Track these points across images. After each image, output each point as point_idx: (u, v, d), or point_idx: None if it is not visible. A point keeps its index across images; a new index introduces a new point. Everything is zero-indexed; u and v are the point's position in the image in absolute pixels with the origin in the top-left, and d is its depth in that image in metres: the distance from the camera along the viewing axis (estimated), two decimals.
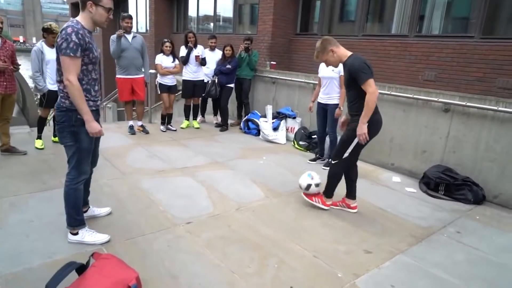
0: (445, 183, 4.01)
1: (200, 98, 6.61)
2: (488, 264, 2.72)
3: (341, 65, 4.56)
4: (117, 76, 5.55)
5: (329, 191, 3.42)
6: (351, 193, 3.46)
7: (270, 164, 4.75)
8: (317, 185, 3.46)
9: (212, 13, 11.50)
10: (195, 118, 6.56)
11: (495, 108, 3.79)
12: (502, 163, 3.84)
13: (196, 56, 5.88)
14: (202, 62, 6.00)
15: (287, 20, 8.52)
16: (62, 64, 2.30)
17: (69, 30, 2.28)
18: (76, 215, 2.59)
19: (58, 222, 2.80)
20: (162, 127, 6.07)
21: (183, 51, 6.00)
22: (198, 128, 6.42)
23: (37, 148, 4.64)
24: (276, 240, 2.84)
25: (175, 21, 13.15)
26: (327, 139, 4.90)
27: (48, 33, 4.42)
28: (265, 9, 8.39)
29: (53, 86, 4.32)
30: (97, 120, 2.52)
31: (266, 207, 3.44)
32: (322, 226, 3.14)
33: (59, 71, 2.39)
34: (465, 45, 5.79)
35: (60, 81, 2.41)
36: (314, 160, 5.02)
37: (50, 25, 4.49)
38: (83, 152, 2.49)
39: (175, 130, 6.10)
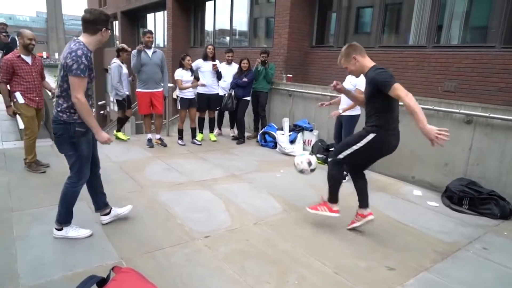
0: (469, 197, 3.88)
1: (217, 111, 6.65)
2: None
3: (359, 78, 4.53)
4: (137, 90, 5.66)
5: (331, 195, 3.20)
6: (363, 201, 3.22)
7: (288, 178, 4.71)
8: (312, 170, 3.38)
9: (228, 27, 11.68)
10: (211, 131, 6.58)
11: None
12: None
13: (213, 64, 5.94)
14: (218, 74, 6.04)
15: (302, 33, 8.57)
16: (71, 83, 2.49)
17: (79, 52, 2.48)
18: (67, 213, 2.79)
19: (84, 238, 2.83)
20: (180, 141, 6.11)
21: (200, 63, 6.07)
22: (215, 141, 6.45)
23: (121, 139, 6.11)
24: (295, 255, 2.79)
25: (192, 35, 13.42)
26: None
27: (123, 52, 5.89)
28: (280, 23, 8.47)
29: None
30: (90, 129, 2.69)
31: (284, 221, 3.40)
32: (342, 241, 3.07)
33: (61, 87, 2.58)
34: (485, 55, 5.67)
35: (59, 96, 2.60)
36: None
37: (123, 46, 5.93)
38: (83, 159, 2.70)
39: (200, 144, 6.12)
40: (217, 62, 6.08)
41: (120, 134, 6.19)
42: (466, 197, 3.90)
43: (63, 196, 2.74)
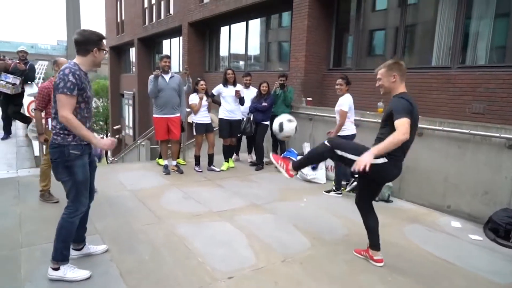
0: None
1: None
2: None
3: (343, 99, 4.81)
4: (154, 115, 5.53)
5: (300, 165, 3.19)
6: (372, 241, 3.00)
7: (312, 207, 4.42)
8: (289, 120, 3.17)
9: (242, 52, 11.70)
10: (230, 157, 6.36)
11: None
12: None
13: (236, 91, 5.77)
14: (241, 100, 5.87)
15: (319, 56, 8.43)
16: (58, 101, 2.40)
17: (67, 71, 2.41)
18: (64, 249, 2.56)
19: (96, 277, 2.58)
20: (196, 168, 5.90)
21: (221, 88, 5.94)
22: (233, 167, 6.21)
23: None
24: None
25: (207, 60, 13.50)
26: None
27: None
28: (297, 46, 8.37)
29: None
30: (90, 153, 2.65)
31: (314, 258, 3.09)
32: (381, 283, 2.74)
33: (54, 108, 2.48)
34: None
35: (53, 118, 2.53)
36: (328, 192, 5.06)
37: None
38: (80, 185, 2.54)
39: (219, 171, 5.91)
40: (240, 87, 5.91)
41: (161, 161, 6.10)
42: None
43: (59, 229, 2.52)
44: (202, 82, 5.68)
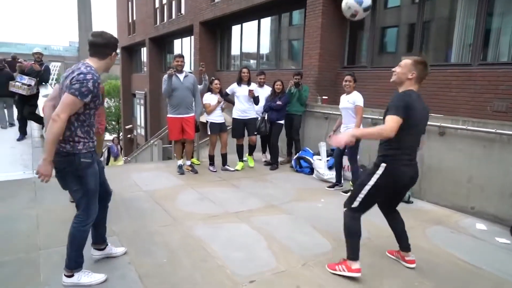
0: None
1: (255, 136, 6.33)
2: None
3: (356, 96, 4.78)
4: (168, 115, 5.49)
5: (351, 252, 2.71)
6: (401, 243, 2.93)
7: (330, 207, 4.32)
8: (366, 9, 2.91)
9: (254, 50, 11.62)
10: (250, 154, 6.28)
11: None
12: None
13: (249, 90, 5.69)
14: (255, 99, 5.79)
15: (333, 54, 8.30)
16: (62, 99, 2.23)
17: (89, 77, 2.25)
18: (78, 257, 2.48)
19: (114, 280, 2.53)
20: (211, 168, 5.85)
21: (235, 87, 5.87)
22: (251, 167, 6.12)
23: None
24: None
25: (219, 59, 13.45)
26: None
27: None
28: (311, 44, 8.25)
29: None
30: (95, 160, 2.47)
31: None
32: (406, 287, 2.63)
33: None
34: None
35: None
36: (332, 186, 5.18)
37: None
38: (91, 194, 2.43)
39: (234, 171, 5.85)
40: (254, 87, 5.83)
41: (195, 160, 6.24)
42: None
43: (71, 238, 2.43)
44: (216, 82, 5.62)
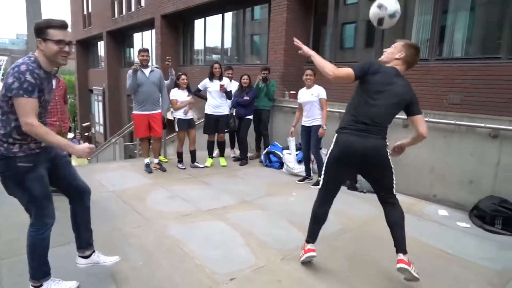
0: (502, 217, 3.63)
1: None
2: None
3: (318, 89, 4.93)
4: (133, 112, 5.28)
5: (307, 234, 2.79)
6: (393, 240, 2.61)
7: (302, 201, 4.37)
8: (391, 16, 2.58)
9: (218, 45, 11.48)
10: (222, 155, 6.19)
11: None
12: None
13: (220, 85, 5.61)
14: (228, 94, 5.72)
15: (298, 49, 8.39)
16: (16, 106, 1.98)
17: (23, 67, 1.98)
18: (42, 266, 2.25)
19: (88, 287, 2.40)
20: (179, 165, 5.72)
21: (207, 83, 5.76)
22: (224, 166, 6.01)
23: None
24: None
25: (182, 54, 13.15)
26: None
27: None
28: (276, 39, 8.28)
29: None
30: (39, 163, 2.16)
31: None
32: (383, 278, 2.73)
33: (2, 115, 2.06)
34: (492, 67, 5.55)
35: None
36: (302, 180, 5.24)
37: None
38: (37, 200, 2.15)
39: (203, 168, 5.76)
40: (225, 82, 5.76)
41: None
42: (499, 216, 3.65)
43: (31, 248, 2.19)
44: (184, 77, 5.50)
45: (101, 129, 18.99)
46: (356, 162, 2.51)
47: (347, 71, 2.42)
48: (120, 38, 16.97)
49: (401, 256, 2.46)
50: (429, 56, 6.41)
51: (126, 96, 16.64)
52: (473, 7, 6.01)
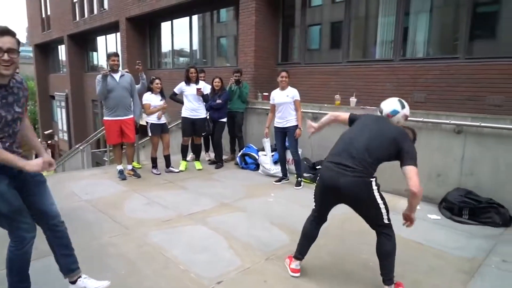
0: (469, 207, 3.87)
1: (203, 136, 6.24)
2: None
3: (293, 91, 4.99)
4: (104, 118, 5.13)
5: (296, 249, 2.76)
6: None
7: (281, 201, 4.45)
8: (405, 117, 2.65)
9: (187, 48, 11.38)
10: (197, 158, 6.14)
11: (511, 127, 3.75)
12: None
13: (197, 88, 5.56)
14: (205, 98, 5.69)
15: (268, 51, 8.48)
16: None
17: None
18: (21, 282, 2.17)
19: None
20: (154, 170, 5.63)
21: (183, 87, 5.70)
22: (200, 169, 5.96)
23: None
24: (321, 286, 2.51)
25: (149, 57, 12.90)
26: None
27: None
28: (245, 41, 8.33)
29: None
30: (16, 175, 2.08)
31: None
32: (365, 269, 2.84)
33: None
34: (451, 66, 5.89)
35: None
36: (279, 180, 5.30)
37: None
38: (7, 216, 2.01)
39: (178, 172, 5.68)
40: (202, 85, 5.72)
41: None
42: (466, 207, 3.88)
43: (9, 264, 2.11)
44: (157, 81, 5.42)
45: (65, 137, 18.22)
46: (334, 195, 2.49)
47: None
48: (83, 42, 16.39)
49: None
50: (394, 57, 6.69)
51: (91, 102, 16.08)
52: (431, 9, 6.35)
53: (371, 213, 2.48)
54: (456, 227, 3.73)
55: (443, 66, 5.93)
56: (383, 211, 2.47)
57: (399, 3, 6.48)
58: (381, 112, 2.66)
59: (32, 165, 2.02)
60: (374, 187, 2.42)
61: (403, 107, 2.64)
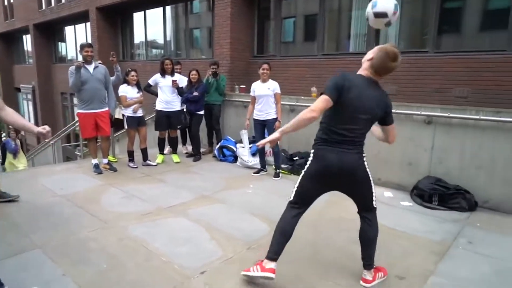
0: (438, 194, 4.08)
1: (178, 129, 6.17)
2: None
3: (274, 84, 5.07)
4: (78, 111, 4.99)
5: (270, 249, 2.49)
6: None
7: (260, 192, 4.52)
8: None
9: (161, 39, 11.17)
10: (174, 151, 6.07)
11: (476, 117, 3.97)
12: (489, 170, 4.01)
13: (173, 80, 5.50)
14: (179, 90, 5.63)
15: (244, 43, 8.49)
16: None
17: None
18: None
19: None
20: (131, 164, 5.54)
21: (158, 78, 5.62)
22: (178, 162, 5.91)
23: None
24: (304, 277, 2.60)
25: (121, 48, 12.56)
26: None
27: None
28: (221, 33, 8.29)
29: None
30: None
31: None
32: (344, 255, 2.95)
33: None
34: (421, 59, 6.14)
35: None
36: (257, 172, 5.37)
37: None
38: None
39: (156, 165, 5.62)
40: (178, 77, 5.66)
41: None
42: (435, 194, 4.09)
43: None
44: (133, 73, 5.32)
45: None
46: (336, 178, 2.35)
47: (322, 99, 2.21)
48: (50, 32, 15.73)
49: (365, 273, 2.51)
50: (367, 50, 6.83)
51: (60, 95, 15.51)
52: (402, 4, 6.54)
53: (366, 193, 2.43)
54: (427, 213, 3.94)
55: (412, 59, 6.16)
56: (373, 191, 2.46)
57: None
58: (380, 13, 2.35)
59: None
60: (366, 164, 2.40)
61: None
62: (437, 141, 4.32)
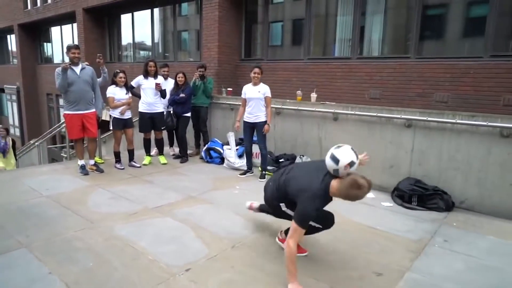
0: (417, 195, 4.23)
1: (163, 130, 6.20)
2: (487, 270, 2.86)
3: (265, 87, 5.14)
4: (64, 112, 5.00)
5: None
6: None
7: (246, 193, 4.60)
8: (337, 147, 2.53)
9: (148, 41, 11.17)
10: (161, 153, 6.10)
11: (453, 121, 4.14)
12: (465, 171, 4.18)
13: (156, 83, 5.55)
14: (162, 93, 5.68)
15: (231, 47, 8.58)
16: None
17: None
18: None
19: None
20: (118, 165, 5.56)
21: (141, 80, 5.65)
22: (165, 163, 5.94)
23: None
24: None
25: (108, 50, 12.51)
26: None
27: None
28: (209, 36, 8.37)
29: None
30: None
31: (261, 240, 3.27)
32: (324, 253, 3.06)
33: None
34: (403, 65, 6.32)
35: None
36: (244, 173, 5.45)
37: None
38: None
39: (140, 167, 5.64)
40: (161, 80, 5.71)
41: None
42: (415, 194, 4.24)
43: None
44: (121, 75, 5.34)
45: (18, 132, 17.21)
46: None
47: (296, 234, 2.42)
48: (35, 32, 15.55)
49: None
50: (352, 55, 7.05)
51: (45, 96, 15.32)
52: (386, 10, 6.74)
53: None
54: (406, 213, 4.08)
55: (396, 64, 6.35)
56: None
57: (356, 4, 6.82)
58: (337, 162, 2.43)
59: None
60: None
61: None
62: (417, 143, 4.48)
